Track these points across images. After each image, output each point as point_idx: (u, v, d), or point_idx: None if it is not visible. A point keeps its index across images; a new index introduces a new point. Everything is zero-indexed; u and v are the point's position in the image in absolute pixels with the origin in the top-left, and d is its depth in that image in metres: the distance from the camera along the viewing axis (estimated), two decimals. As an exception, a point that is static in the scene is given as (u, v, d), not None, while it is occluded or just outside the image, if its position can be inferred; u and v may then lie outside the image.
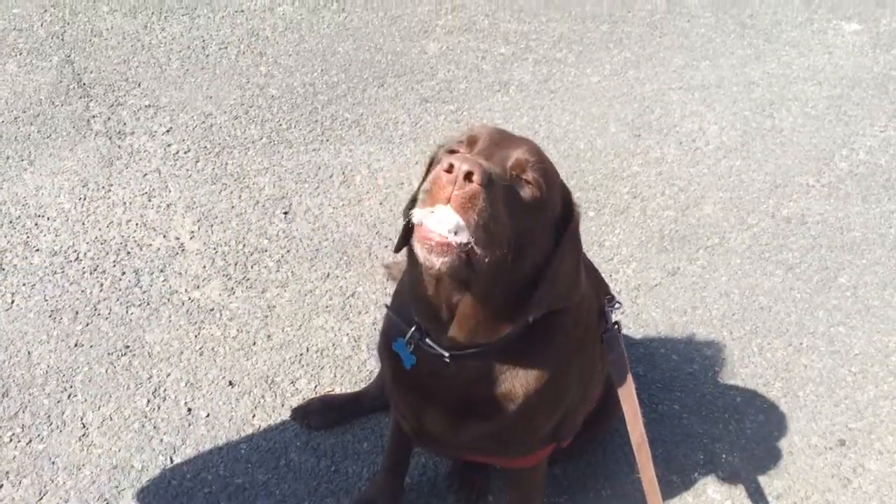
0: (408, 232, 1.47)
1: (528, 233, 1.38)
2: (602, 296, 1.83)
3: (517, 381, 1.59)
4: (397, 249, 1.60)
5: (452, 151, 1.44)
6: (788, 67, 4.04)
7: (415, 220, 1.32)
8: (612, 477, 2.29)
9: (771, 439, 2.40)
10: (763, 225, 3.12)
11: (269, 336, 2.58)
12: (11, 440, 2.25)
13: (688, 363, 2.61)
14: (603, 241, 3.02)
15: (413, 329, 1.58)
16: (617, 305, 1.81)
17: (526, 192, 1.37)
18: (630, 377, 1.76)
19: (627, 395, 1.74)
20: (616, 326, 1.79)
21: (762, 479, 2.28)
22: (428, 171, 1.52)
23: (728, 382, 2.55)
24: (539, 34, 4.13)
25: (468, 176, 1.25)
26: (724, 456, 2.35)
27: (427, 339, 1.56)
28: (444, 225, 1.27)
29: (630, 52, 4.03)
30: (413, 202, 1.38)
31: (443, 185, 1.26)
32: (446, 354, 1.55)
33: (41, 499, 2.13)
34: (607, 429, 2.24)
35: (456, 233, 1.27)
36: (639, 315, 2.74)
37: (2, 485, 2.15)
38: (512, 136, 1.47)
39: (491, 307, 1.48)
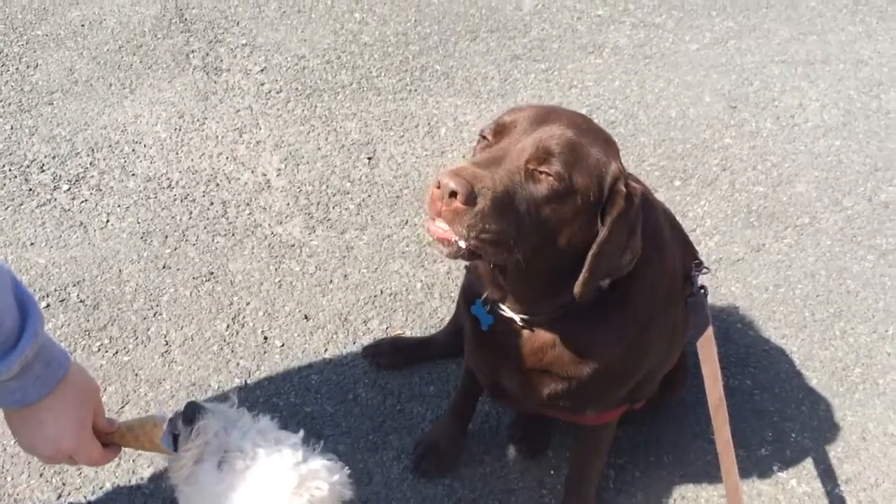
0: None
1: (548, 226, 1.37)
2: (689, 260, 1.79)
3: (592, 346, 1.59)
4: None
5: (483, 137, 1.47)
6: (902, 47, 3.82)
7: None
8: (675, 443, 2.26)
9: (845, 424, 2.33)
10: (858, 208, 2.99)
11: (345, 276, 2.64)
12: (100, 350, 2.38)
13: (764, 341, 2.54)
14: (686, 212, 2.95)
15: (487, 293, 1.60)
16: (704, 270, 1.78)
17: (541, 188, 1.35)
18: (713, 339, 1.73)
19: (709, 357, 1.72)
20: (702, 290, 1.76)
21: (832, 462, 2.23)
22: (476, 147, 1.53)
23: (805, 363, 2.48)
24: (638, -3, 4.02)
25: (453, 194, 1.27)
26: (793, 435, 2.29)
27: (501, 304, 1.58)
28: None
29: (733, 22, 3.87)
30: None
31: (434, 200, 1.30)
32: (517, 319, 1.57)
33: (123, 406, 2.25)
34: (676, 396, 2.21)
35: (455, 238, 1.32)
36: (717, 289, 2.68)
37: (89, 390, 2.28)
38: (550, 117, 1.41)
39: (537, 286, 1.50)
